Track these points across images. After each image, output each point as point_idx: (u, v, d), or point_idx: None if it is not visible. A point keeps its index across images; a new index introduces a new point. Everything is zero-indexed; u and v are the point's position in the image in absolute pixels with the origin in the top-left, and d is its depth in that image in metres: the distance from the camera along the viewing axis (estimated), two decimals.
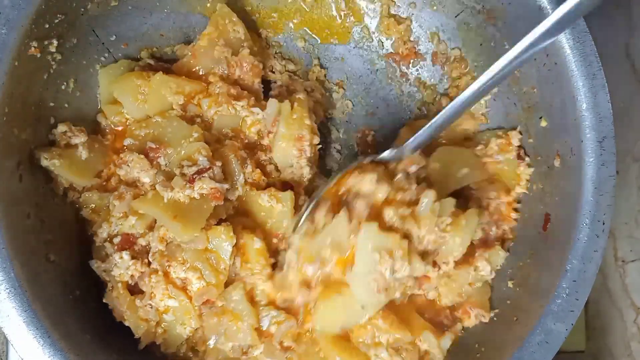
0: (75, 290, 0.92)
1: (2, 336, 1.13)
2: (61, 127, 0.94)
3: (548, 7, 0.89)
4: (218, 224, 0.94)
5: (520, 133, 1.04)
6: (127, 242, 0.93)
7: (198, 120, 1.00)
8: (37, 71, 0.91)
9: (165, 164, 0.96)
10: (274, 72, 1.13)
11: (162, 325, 0.94)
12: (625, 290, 1.22)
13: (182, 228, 0.89)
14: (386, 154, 0.99)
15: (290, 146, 0.99)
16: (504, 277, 1.01)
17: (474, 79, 1.08)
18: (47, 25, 0.89)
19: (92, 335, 0.89)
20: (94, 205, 0.97)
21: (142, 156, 0.95)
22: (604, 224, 0.87)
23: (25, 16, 0.84)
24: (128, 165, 0.95)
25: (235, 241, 0.92)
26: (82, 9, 0.95)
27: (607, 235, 0.88)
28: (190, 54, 1.04)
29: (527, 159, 1.02)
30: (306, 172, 1.01)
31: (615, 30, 1.24)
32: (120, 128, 1.01)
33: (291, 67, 1.14)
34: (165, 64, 1.07)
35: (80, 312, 0.90)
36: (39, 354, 0.80)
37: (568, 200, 0.91)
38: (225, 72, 1.03)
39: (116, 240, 0.93)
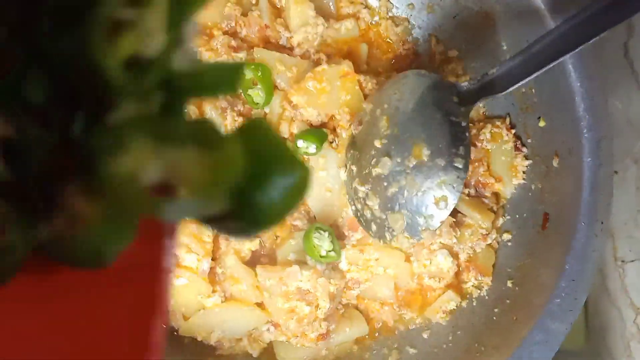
0: None
1: None
2: None
3: (545, 9, 0.90)
4: None
5: (513, 127, 1.04)
6: None
7: None
8: None
9: None
10: None
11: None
12: (624, 290, 1.22)
13: None
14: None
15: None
16: (503, 276, 1.01)
17: (473, 80, 1.10)
18: None
19: None
20: None
21: None
22: (602, 223, 0.88)
23: None
24: None
25: None
26: None
27: (606, 235, 0.88)
28: None
29: (524, 149, 1.03)
30: (320, 30, 1.03)
31: (614, 30, 1.24)
32: None
33: None
34: None
35: None
36: None
37: (567, 200, 0.91)
38: (232, 26, 1.04)
39: None
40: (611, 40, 1.23)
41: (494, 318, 0.99)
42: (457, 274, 1.03)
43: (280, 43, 1.06)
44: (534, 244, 0.98)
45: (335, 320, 0.98)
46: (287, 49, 1.06)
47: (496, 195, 1.06)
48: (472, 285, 1.03)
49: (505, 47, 1.01)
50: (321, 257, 0.94)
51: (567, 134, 0.92)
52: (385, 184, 0.89)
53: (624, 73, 1.22)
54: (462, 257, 1.02)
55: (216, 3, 1.04)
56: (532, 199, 1.01)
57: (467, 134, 0.86)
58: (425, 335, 1.03)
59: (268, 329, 0.98)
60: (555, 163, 0.95)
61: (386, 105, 0.91)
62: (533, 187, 1.02)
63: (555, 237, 0.93)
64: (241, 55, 1.01)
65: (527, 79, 0.80)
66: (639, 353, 1.17)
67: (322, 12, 1.07)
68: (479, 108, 1.10)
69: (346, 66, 1.00)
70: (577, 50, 0.75)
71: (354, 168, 0.94)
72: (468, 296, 1.04)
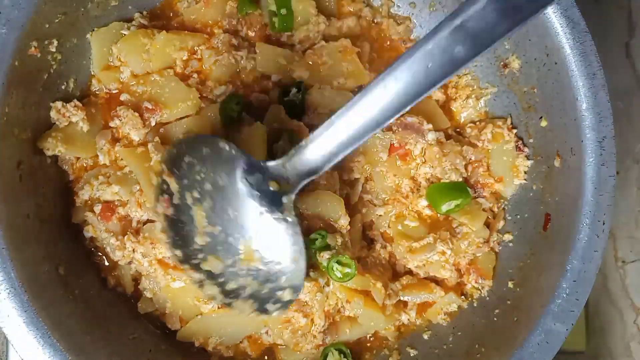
0: (75, 290, 0.92)
1: (2, 336, 1.13)
2: (56, 106, 0.94)
3: (547, 8, 0.89)
4: None
5: (515, 127, 1.04)
6: (108, 210, 0.93)
7: (194, 76, 1.00)
8: (37, 71, 0.91)
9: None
10: None
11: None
12: (625, 291, 1.22)
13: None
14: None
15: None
16: (504, 277, 1.01)
17: (474, 78, 1.10)
18: (47, 25, 0.89)
19: (92, 335, 0.89)
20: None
21: (136, 114, 0.95)
22: (604, 224, 0.87)
23: (25, 16, 0.84)
24: (120, 120, 0.95)
25: None
26: (82, 9, 0.95)
27: (607, 235, 0.88)
28: (202, 1, 1.04)
29: (526, 149, 1.02)
30: (322, 28, 1.03)
31: (615, 30, 1.24)
32: (115, 91, 1.00)
33: None
34: (159, 22, 1.05)
35: (80, 312, 0.90)
36: (39, 354, 0.79)
37: (568, 201, 0.91)
38: (233, 24, 1.04)
39: (97, 208, 0.93)
40: (613, 41, 1.23)
41: (495, 319, 0.98)
42: (459, 276, 1.03)
43: (282, 40, 1.06)
44: (535, 245, 0.98)
45: (332, 332, 0.98)
46: (289, 46, 1.05)
47: (495, 195, 1.06)
48: (473, 287, 1.03)
49: (508, 46, 1.01)
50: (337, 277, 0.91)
51: (569, 134, 0.91)
52: (221, 280, 0.80)
53: (626, 73, 1.22)
54: (463, 262, 1.02)
55: (217, 1, 1.04)
56: (533, 200, 1.01)
57: (297, 230, 0.77)
58: (425, 336, 1.03)
59: (267, 332, 0.98)
60: (556, 163, 0.95)
61: (197, 194, 0.79)
62: (534, 187, 1.01)
63: (557, 238, 0.93)
64: (242, 54, 1.01)
65: (342, 155, 0.75)
66: None
67: (324, 10, 1.07)
68: (481, 108, 1.09)
69: (344, 41, 1.02)
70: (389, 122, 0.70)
71: (179, 253, 0.82)
72: (469, 297, 1.03)
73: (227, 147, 0.80)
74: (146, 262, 0.93)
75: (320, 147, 0.75)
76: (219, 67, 1.00)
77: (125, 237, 0.93)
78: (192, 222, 0.80)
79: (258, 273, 0.79)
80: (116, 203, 0.94)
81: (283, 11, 1.01)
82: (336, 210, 0.94)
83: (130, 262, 0.95)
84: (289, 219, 0.78)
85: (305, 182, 0.78)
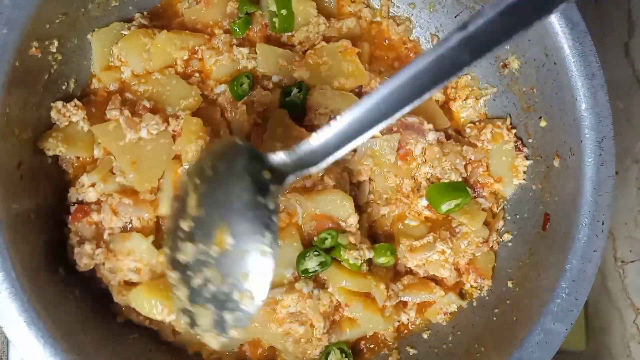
0: (75, 290, 0.92)
1: (2, 336, 1.13)
2: (56, 106, 0.94)
3: None
4: None
5: (514, 128, 1.04)
6: (81, 211, 0.92)
7: (196, 75, 1.01)
8: (38, 71, 0.91)
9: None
10: None
11: None
12: (624, 291, 1.22)
13: (138, 180, 0.90)
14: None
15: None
16: (503, 277, 1.01)
17: (473, 79, 1.10)
18: (47, 26, 0.89)
19: (92, 335, 0.89)
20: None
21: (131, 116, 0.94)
22: (603, 224, 0.87)
23: (26, 16, 0.84)
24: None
25: None
26: (83, 9, 0.95)
27: (607, 235, 0.88)
28: (203, 2, 1.04)
29: (525, 150, 1.03)
30: (322, 29, 1.03)
31: (614, 31, 1.24)
32: (114, 89, 1.00)
33: None
34: (160, 22, 1.06)
35: (80, 312, 0.90)
36: (39, 354, 0.80)
37: (567, 200, 0.91)
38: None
39: (72, 209, 0.93)
40: (612, 41, 1.23)
41: (494, 318, 0.99)
42: (458, 275, 1.03)
43: (282, 41, 1.06)
44: (534, 245, 0.98)
45: (336, 330, 0.98)
46: (289, 46, 1.06)
47: (495, 195, 1.06)
48: (472, 287, 1.03)
49: (507, 47, 1.01)
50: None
51: (568, 134, 0.91)
52: (189, 273, 0.78)
53: (625, 73, 1.22)
54: (462, 261, 1.02)
55: (218, 2, 1.04)
56: (532, 200, 1.01)
57: (274, 219, 0.77)
58: (425, 336, 1.03)
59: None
60: (556, 163, 0.95)
61: (198, 180, 0.80)
62: (534, 187, 1.01)
63: (556, 238, 0.93)
64: (244, 52, 1.01)
65: (341, 152, 0.74)
66: (639, 353, 1.17)
67: (324, 11, 1.07)
68: (480, 108, 1.10)
69: (345, 42, 1.02)
70: (388, 120, 0.70)
71: (167, 251, 0.80)
72: (468, 297, 1.04)
73: (236, 139, 0.83)
74: (113, 279, 0.91)
75: (320, 141, 0.75)
76: (219, 67, 1.00)
77: (98, 249, 0.90)
78: (184, 207, 0.79)
79: (223, 262, 0.77)
80: (92, 207, 0.93)
81: (283, 12, 1.02)
82: (346, 209, 0.95)
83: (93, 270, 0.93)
84: (271, 206, 0.78)
85: (297, 174, 0.78)
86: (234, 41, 1.02)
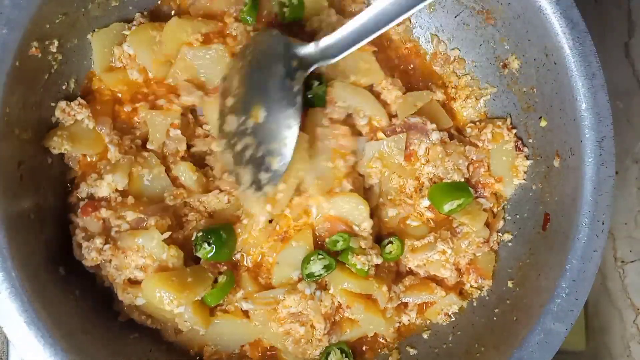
0: (75, 290, 0.92)
1: (2, 336, 1.13)
2: (60, 106, 0.94)
3: (547, 6, 0.89)
4: None
5: (515, 127, 1.05)
6: (91, 206, 0.92)
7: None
8: (38, 71, 0.91)
9: None
10: None
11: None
12: (624, 291, 1.22)
13: None
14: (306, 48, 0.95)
15: None
16: (503, 276, 1.01)
17: (473, 79, 1.10)
18: (47, 26, 0.89)
19: (92, 335, 0.89)
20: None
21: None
22: (603, 223, 0.87)
23: (26, 16, 0.84)
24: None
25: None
26: (83, 9, 0.95)
27: (607, 235, 0.88)
28: None
29: (525, 149, 1.03)
30: (333, 20, 1.03)
31: (614, 31, 1.24)
32: (120, 94, 1.00)
33: None
34: (160, 22, 1.04)
35: (80, 312, 0.90)
36: (39, 354, 0.79)
37: (567, 200, 0.91)
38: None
39: (81, 204, 0.92)
40: (612, 41, 1.23)
41: (495, 318, 0.99)
42: (458, 275, 1.03)
43: (294, 30, 1.05)
44: (535, 245, 0.98)
45: (336, 331, 0.98)
46: (301, 35, 1.04)
47: (496, 195, 1.06)
48: (473, 287, 1.03)
49: (507, 47, 1.01)
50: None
51: (568, 134, 0.91)
52: (232, 141, 0.95)
53: (625, 73, 1.22)
54: (463, 261, 1.02)
55: None
56: (532, 200, 1.01)
57: (298, 99, 0.92)
58: (425, 336, 1.03)
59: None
60: (556, 163, 0.95)
61: (241, 63, 0.96)
62: (534, 187, 1.01)
63: (556, 238, 0.93)
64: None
65: (357, 46, 0.90)
66: (639, 353, 1.17)
67: (333, 5, 1.06)
68: (480, 108, 1.10)
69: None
70: (399, 19, 0.86)
71: (219, 122, 0.97)
72: (468, 297, 1.04)
73: (275, 31, 0.98)
74: (118, 276, 0.92)
75: (339, 37, 0.91)
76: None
77: (106, 244, 0.91)
78: (231, 86, 0.96)
79: (258, 131, 0.93)
80: (102, 204, 0.92)
81: (294, 1, 1.02)
82: (361, 212, 0.96)
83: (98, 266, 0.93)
84: (295, 89, 0.92)
85: (320, 63, 0.93)
86: (248, 28, 1.00)
